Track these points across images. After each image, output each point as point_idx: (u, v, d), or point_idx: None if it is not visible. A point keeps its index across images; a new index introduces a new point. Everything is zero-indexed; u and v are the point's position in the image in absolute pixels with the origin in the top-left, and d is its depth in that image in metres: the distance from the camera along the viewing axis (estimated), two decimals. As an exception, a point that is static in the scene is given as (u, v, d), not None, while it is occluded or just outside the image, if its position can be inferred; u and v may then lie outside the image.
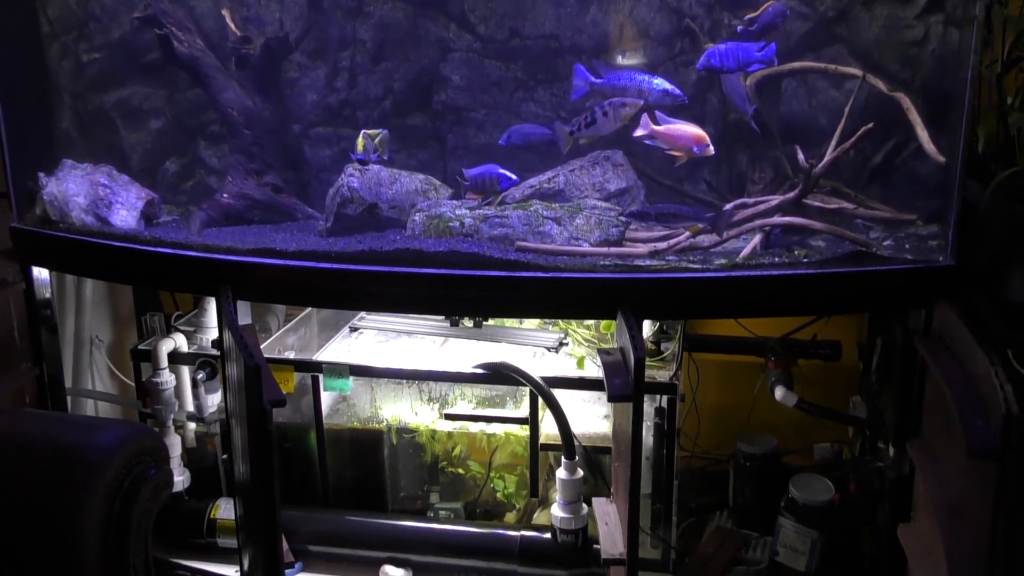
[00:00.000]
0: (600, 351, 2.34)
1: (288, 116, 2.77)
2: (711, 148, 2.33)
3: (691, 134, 2.33)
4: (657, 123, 2.35)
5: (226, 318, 2.33)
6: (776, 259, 2.35)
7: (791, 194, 2.36)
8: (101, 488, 1.74)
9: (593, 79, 2.43)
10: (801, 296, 2.33)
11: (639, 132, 2.37)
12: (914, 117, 2.27)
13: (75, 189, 2.60)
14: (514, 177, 2.46)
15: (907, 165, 2.45)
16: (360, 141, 2.49)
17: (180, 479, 2.87)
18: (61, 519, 1.72)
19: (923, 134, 2.23)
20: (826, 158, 2.29)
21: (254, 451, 2.11)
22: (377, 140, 2.42)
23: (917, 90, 2.35)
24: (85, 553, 1.72)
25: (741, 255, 2.35)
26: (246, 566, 2.59)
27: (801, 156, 2.30)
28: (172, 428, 2.90)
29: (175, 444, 2.88)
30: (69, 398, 2.96)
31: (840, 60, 2.47)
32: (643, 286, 2.32)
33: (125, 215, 2.59)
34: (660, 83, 2.37)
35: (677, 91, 2.39)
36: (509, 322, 3.06)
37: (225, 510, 2.84)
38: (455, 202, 2.54)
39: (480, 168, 2.47)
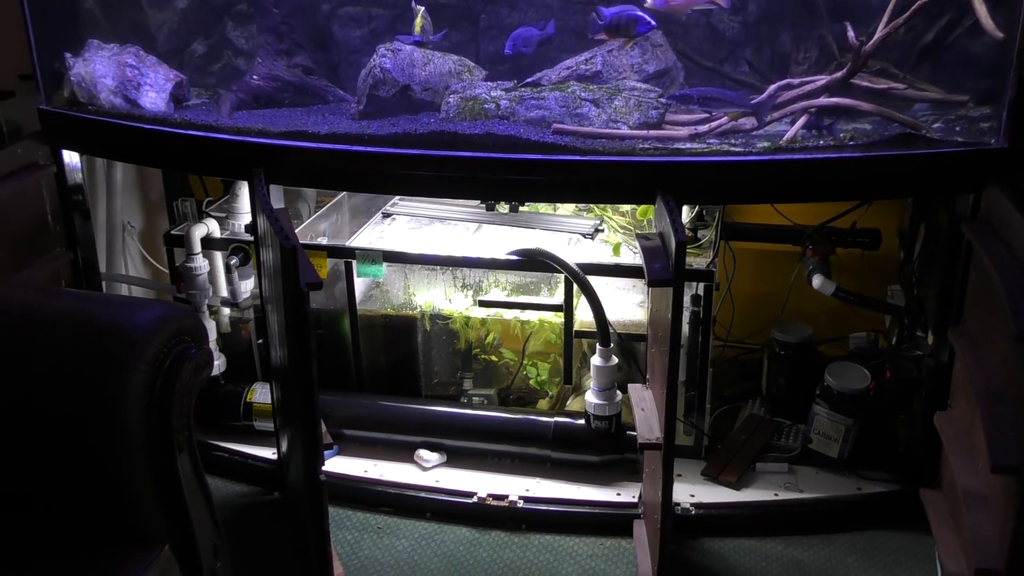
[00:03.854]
0: (639, 236, 2.31)
1: (317, -6, 2.69)
2: None
3: None
4: None
5: (260, 201, 2.30)
6: (821, 142, 2.29)
7: (839, 74, 2.29)
8: (143, 365, 1.74)
9: None
10: (846, 180, 2.28)
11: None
12: (972, -10, 2.17)
13: (103, 70, 2.55)
14: (653, 22, 2.35)
15: (960, 43, 2.35)
16: (419, 21, 2.40)
17: (216, 363, 2.89)
18: (104, 395, 1.72)
19: (981, 8, 2.13)
20: (877, 35, 2.20)
21: (291, 335, 2.10)
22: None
23: (976, -39, 2.24)
24: (129, 429, 1.73)
25: (785, 138, 2.29)
26: (283, 448, 2.63)
27: (851, 33, 2.22)
28: (207, 313, 2.92)
29: (210, 329, 2.90)
30: (104, 283, 2.97)
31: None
32: (683, 169, 2.27)
33: (154, 97, 2.54)
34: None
35: None
36: (543, 208, 3.02)
37: (261, 394, 2.87)
38: (490, 83, 2.48)
39: (618, 8, 2.35)
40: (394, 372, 3.00)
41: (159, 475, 1.79)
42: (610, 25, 2.36)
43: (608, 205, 2.92)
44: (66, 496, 1.76)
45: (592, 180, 2.32)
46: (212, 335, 2.90)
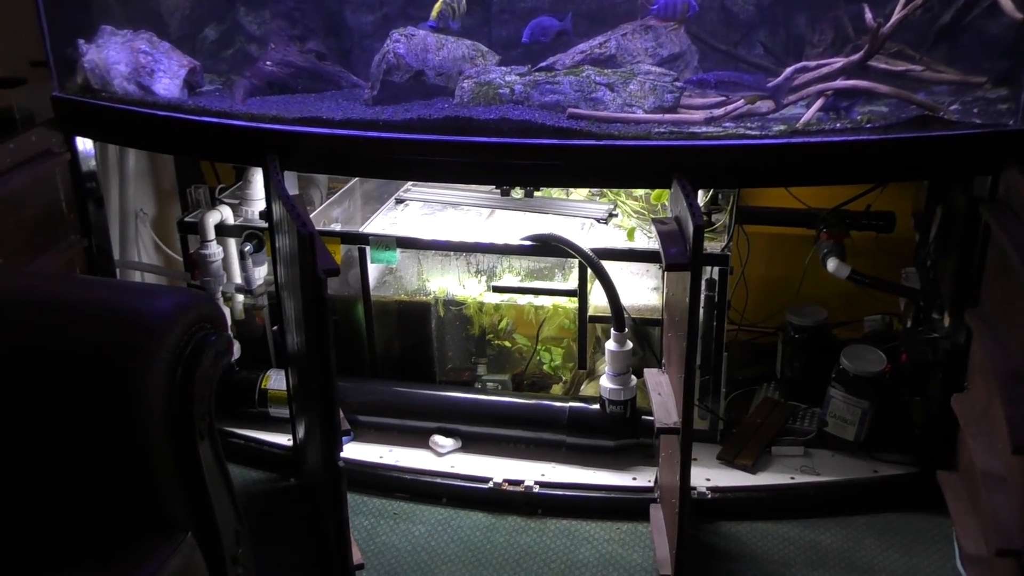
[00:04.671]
0: (655, 220, 2.30)
1: (329, -21, 2.68)
2: None
3: None
4: None
5: (276, 188, 2.29)
6: (838, 125, 2.28)
7: (855, 56, 2.27)
8: (164, 353, 1.73)
9: None
10: (864, 163, 2.27)
11: None
12: (990, -30, 2.16)
13: (116, 57, 2.54)
14: (696, 6, 2.40)
15: (978, 24, 2.33)
16: (437, 6, 2.39)
17: (230, 351, 2.89)
18: (126, 383, 1.72)
19: (1000, -12, 2.12)
20: (894, 16, 2.19)
21: (309, 321, 2.10)
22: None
23: (994, -60, 2.23)
24: (151, 417, 1.73)
25: (801, 121, 2.28)
26: (300, 434, 2.64)
27: (869, 15, 2.21)
28: (221, 300, 2.91)
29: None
30: (117, 270, 2.96)
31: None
32: (699, 153, 2.27)
33: (168, 83, 2.54)
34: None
35: None
36: (557, 193, 3.01)
37: (275, 381, 2.87)
38: (505, 68, 2.47)
39: None
40: (408, 358, 3.00)
41: (181, 462, 1.79)
42: (663, 10, 2.38)
43: (622, 190, 2.91)
44: (89, 483, 1.76)
45: (607, 165, 2.31)
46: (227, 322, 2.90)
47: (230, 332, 2.90)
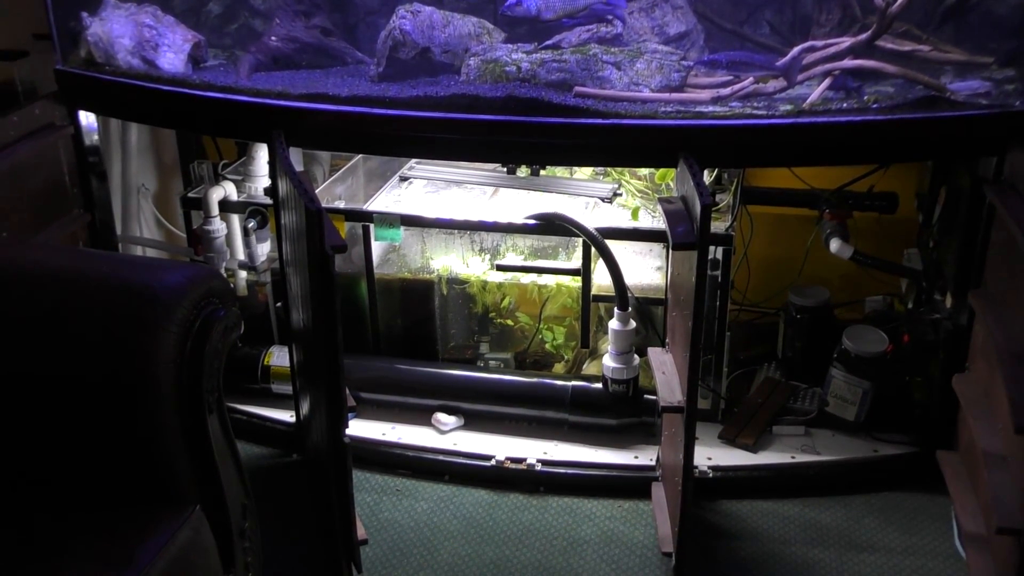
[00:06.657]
0: (661, 199, 2.30)
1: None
2: None
3: None
4: None
5: (282, 164, 2.29)
6: (844, 105, 2.28)
7: (863, 36, 2.27)
8: (173, 327, 1.74)
9: None
10: (870, 143, 2.27)
11: None
12: (998, -50, 2.16)
13: (120, 30, 2.53)
14: None
15: (984, 4, 2.34)
16: None
17: (233, 327, 2.89)
18: (136, 356, 1.73)
19: (1008, -31, 2.12)
20: (903, -4, 2.19)
21: (316, 298, 2.10)
22: None
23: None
24: (161, 390, 1.74)
25: (808, 101, 2.28)
26: (304, 410, 2.64)
27: (877, -6, 2.21)
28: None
29: (227, 293, 2.89)
30: (120, 245, 2.96)
31: None
32: (706, 133, 2.26)
33: (172, 58, 2.52)
34: None
35: None
36: (561, 172, 3.01)
37: (278, 357, 2.87)
38: (511, 46, 2.46)
39: None
40: (411, 336, 3.00)
41: (190, 436, 1.80)
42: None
43: (626, 169, 2.91)
44: (99, 455, 1.77)
45: (614, 143, 2.31)
46: (230, 298, 2.90)
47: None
